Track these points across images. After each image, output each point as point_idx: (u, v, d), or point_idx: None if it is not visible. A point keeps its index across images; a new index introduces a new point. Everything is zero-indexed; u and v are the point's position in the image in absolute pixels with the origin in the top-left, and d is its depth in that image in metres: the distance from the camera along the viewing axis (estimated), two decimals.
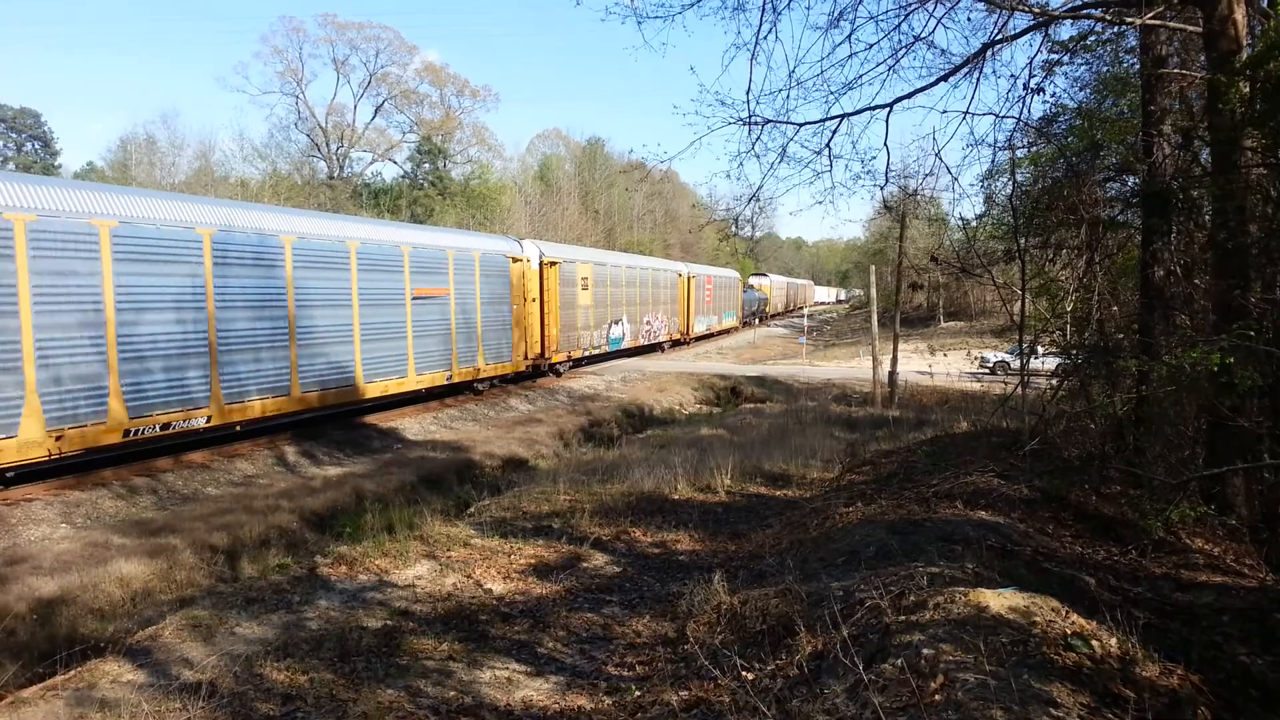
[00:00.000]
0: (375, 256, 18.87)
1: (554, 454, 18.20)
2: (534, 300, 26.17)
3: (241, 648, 6.13)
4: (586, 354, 30.73)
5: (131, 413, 13.13)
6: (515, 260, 24.91)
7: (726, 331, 53.31)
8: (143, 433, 13.39)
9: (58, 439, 12.12)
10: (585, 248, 39.61)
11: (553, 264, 27.41)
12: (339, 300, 17.79)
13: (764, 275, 76.63)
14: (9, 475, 11.97)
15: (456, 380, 22.20)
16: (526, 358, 25.77)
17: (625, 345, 34.76)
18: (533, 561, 8.37)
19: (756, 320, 62.93)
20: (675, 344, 42.46)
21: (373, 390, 18.85)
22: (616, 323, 33.56)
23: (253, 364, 15.44)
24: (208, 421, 14.56)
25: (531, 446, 18.56)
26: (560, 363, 28.47)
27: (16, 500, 11.82)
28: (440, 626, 6.68)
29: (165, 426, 13.73)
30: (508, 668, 6.00)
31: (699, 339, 46.59)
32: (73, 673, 5.87)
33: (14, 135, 60.42)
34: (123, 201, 13.43)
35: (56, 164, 60.37)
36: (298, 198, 48.57)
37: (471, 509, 11.05)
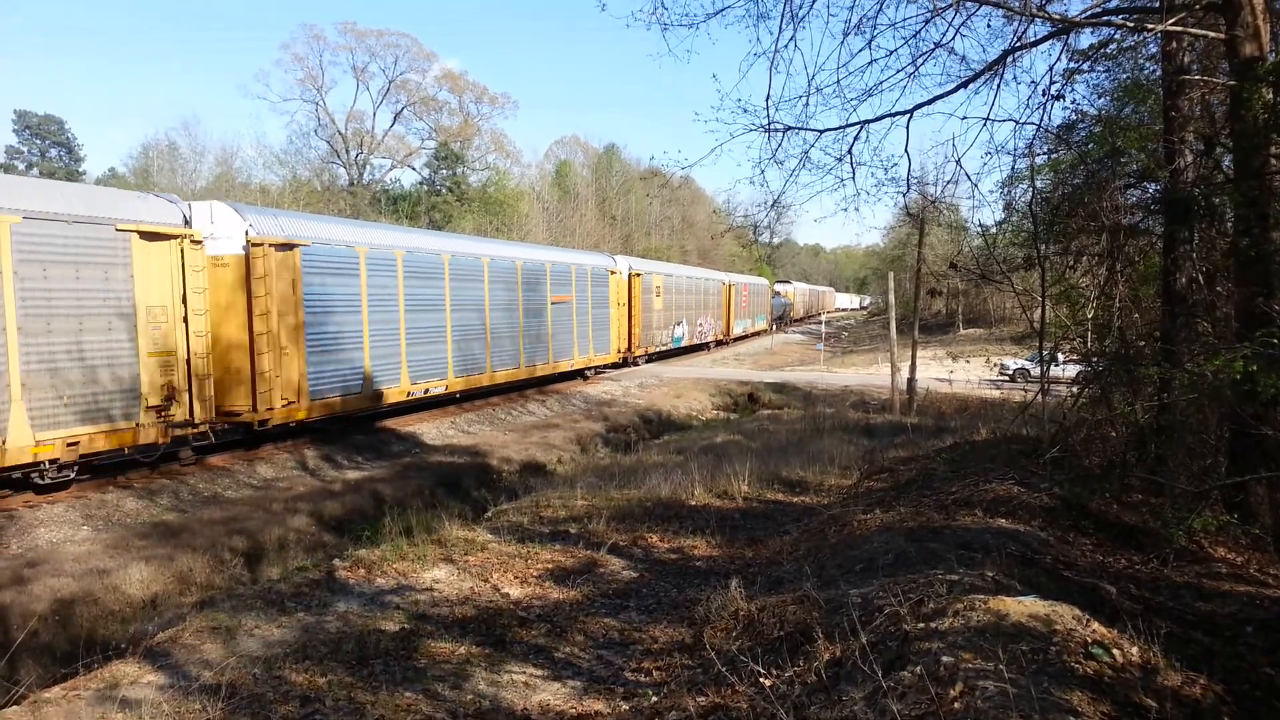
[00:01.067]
0: (529, 271, 24.53)
1: (571, 459, 18.23)
2: (623, 305, 31.96)
3: (260, 649, 6.17)
4: (658, 350, 36.17)
5: (411, 379, 19.07)
6: (612, 273, 31.00)
7: (759, 333, 57.75)
8: (414, 394, 19.31)
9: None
10: (657, 261, 46.57)
11: (637, 275, 33.01)
12: (509, 305, 23.37)
13: (788, 282, 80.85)
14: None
15: (576, 368, 27.89)
16: (619, 351, 31.69)
17: (684, 344, 40.04)
18: (550, 566, 8.38)
19: (775, 326, 63.60)
20: (719, 344, 46.48)
21: (525, 373, 24.56)
22: (678, 324, 39.12)
23: (463, 349, 21.20)
24: (445, 389, 20.47)
25: (549, 451, 18.61)
26: (639, 357, 33.93)
27: (38, 503, 11.97)
28: (458, 630, 6.70)
29: (426, 390, 19.70)
30: (525, 672, 6.02)
31: (737, 339, 50.61)
32: (94, 673, 5.93)
33: (38, 141, 61.07)
34: (408, 237, 20.42)
35: (80, 170, 60.85)
36: (318, 204, 48.85)
37: (489, 513, 11.06)
